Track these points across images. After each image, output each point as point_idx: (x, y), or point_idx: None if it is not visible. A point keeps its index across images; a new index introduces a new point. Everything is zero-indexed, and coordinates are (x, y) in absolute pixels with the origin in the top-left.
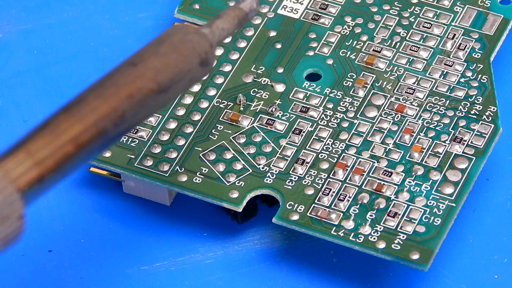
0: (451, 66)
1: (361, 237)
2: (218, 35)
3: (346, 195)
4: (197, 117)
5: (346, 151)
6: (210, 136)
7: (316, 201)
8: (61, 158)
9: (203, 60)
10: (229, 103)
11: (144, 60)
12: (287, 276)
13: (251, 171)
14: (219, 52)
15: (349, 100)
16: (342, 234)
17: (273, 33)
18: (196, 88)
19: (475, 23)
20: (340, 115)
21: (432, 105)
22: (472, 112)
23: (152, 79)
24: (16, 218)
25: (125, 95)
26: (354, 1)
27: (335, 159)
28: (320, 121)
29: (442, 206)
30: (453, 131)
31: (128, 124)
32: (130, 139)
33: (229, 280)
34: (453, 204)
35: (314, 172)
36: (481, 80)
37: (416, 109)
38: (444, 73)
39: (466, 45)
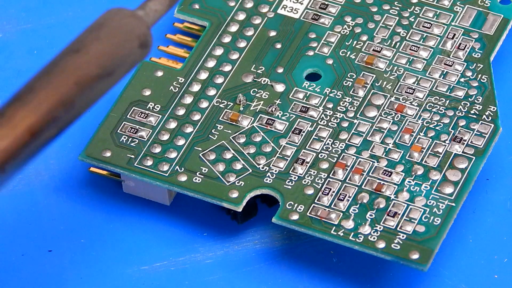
0: (451, 66)
1: (361, 236)
2: (152, 17)
3: (346, 194)
4: (197, 117)
5: (346, 151)
6: (210, 136)
7: (316, 201)
8: (19, 148)
9: (142, 43)
10: (229, 103)
11: (86, 46)
12: (287, 276)
13: (251, 171)
14: (219, 52)
15: (349, 100)
16: (342, 234)
17: (273, 33)
18: (196, 88)
19: (475, 23)
20: (340, 115)
21: (432, 105)
22: (472, 112)
23: (96, 64)
24: None
25: (73, 82)
26: (354, 1)
27: (335, 159)
28: (320, 121)
29: (442, 206)
30: (453, 131)
31: (78, 110)
32: (130, 139)
33: (229, 280)
34: (453, 204)
35: (314, 172)
36: (481, 80)
37: (416, 109)
38: (444, 73)
39: (466, 45)
